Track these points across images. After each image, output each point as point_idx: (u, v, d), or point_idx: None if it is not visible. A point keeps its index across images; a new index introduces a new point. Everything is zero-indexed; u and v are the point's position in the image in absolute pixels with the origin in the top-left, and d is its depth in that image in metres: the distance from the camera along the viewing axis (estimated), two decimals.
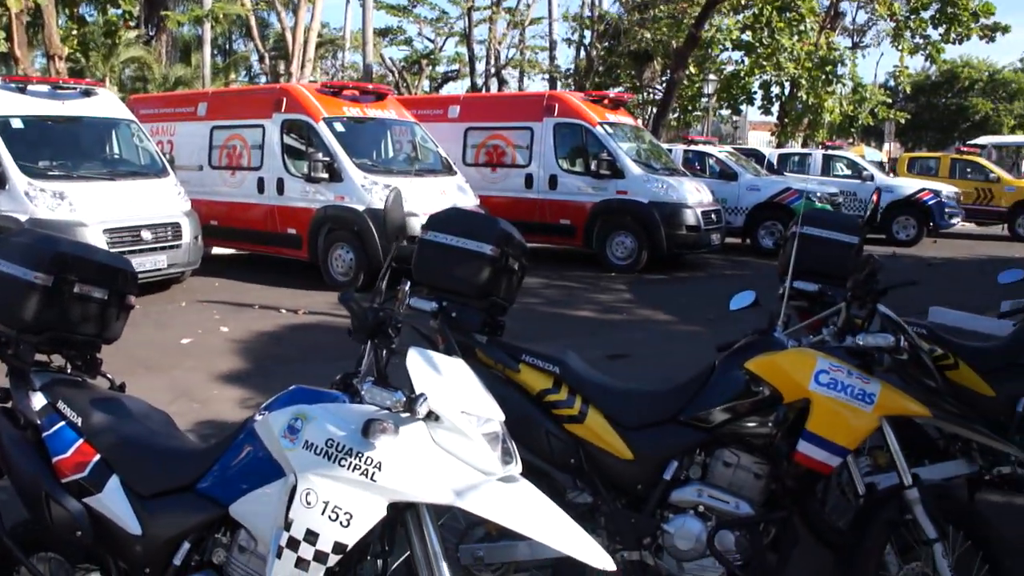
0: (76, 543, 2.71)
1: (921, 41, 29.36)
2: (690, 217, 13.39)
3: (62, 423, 2.80)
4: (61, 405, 2.84)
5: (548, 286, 11.94)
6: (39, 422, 2.81)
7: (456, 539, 3.24)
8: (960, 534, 3.20)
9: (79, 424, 2.78)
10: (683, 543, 3.14)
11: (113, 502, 2.65)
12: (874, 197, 4.06)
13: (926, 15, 28.37)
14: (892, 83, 41.80)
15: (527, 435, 3.25)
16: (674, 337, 9.06)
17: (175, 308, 10.15)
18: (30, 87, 11.06)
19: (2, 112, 10.52)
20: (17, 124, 10.58)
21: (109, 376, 3.19)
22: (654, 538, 3.19)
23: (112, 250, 8.98)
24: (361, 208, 11.28)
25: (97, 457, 2.72)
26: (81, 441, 2.75)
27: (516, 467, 2.31)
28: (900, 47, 29.39)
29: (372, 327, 2.38)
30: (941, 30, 28.33)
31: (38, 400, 2.86)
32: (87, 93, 11.54)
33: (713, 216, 13.98)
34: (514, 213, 13.24)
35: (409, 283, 2.50)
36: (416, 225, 10.92)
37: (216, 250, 13.70)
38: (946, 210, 18.79)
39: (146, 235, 10.35)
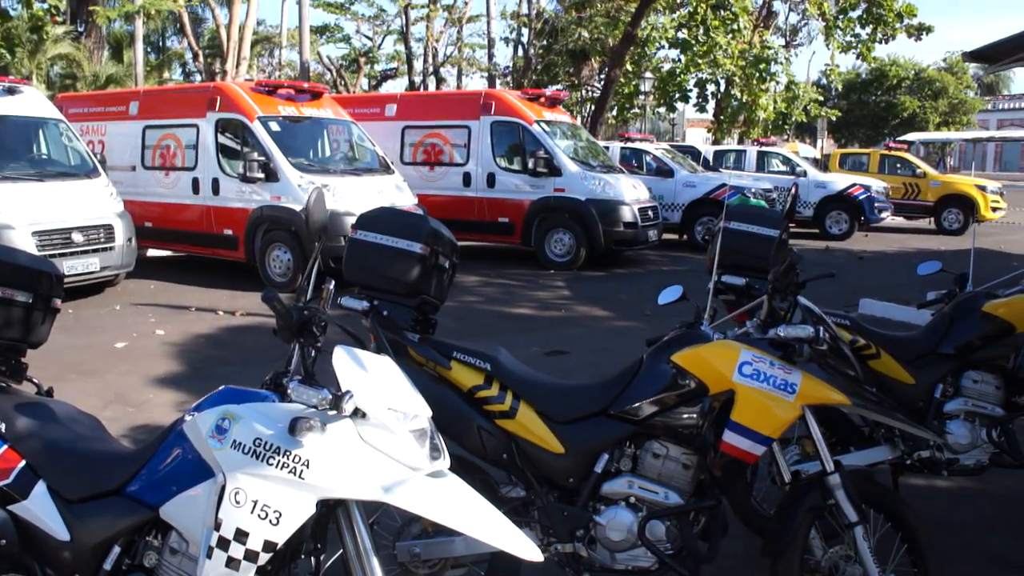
0: (2, 552, 2.66)
1: (852, 40, 30.07)
2: (627, 214, 13.54)
3: None
4: None
5: (487, 284, 11.99)
6: None
7: (392, 536, 3.26)
8: (880, 517, 3.32)
9: (2, 430, 2.74)
10: (615, 534, 3.20)
11: (39, 508, 2.61)
12: (792, 190, 4.17)
13: (854, 15, 29.11)
14: (824, 81, 42.74)
15: (460, 431, 3.28)
16: (612, 333, 9.16)
17: (109, 312, 9.96)
18: None
19: None
20: None
21: (36, 381, 3.15)
22: (587, 530, 3.24)
23: (42, 253, 8.79)
24: (298, 208, 11.17)
25: (22, 463, 2.68)
26: (5, 447, 2.71)
27: (444, 462, 2.35)
28: (831, 46, 30.06)
29: (297, 326, 2.40)
30: (868, 30, 29.10)
31: None
32: (11, 91, 11.23)
33: (650, 213, 14.16)
34: (452, 212, 13.26)
35: (334, 282, 2.51)
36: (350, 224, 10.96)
37: (151, 252, 13.48)
38: (876, 205, 19.26)
39: (77, 237, 10.14)
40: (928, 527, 3.35)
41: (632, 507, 3.22)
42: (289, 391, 2.28)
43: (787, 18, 36.69)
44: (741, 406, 3.11)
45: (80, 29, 33.64)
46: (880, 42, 29.50)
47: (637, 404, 3.23)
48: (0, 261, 2.99)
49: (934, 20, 56.54)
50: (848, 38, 30.02)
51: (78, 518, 2.58)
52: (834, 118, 35.21)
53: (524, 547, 2.26)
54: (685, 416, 3.20)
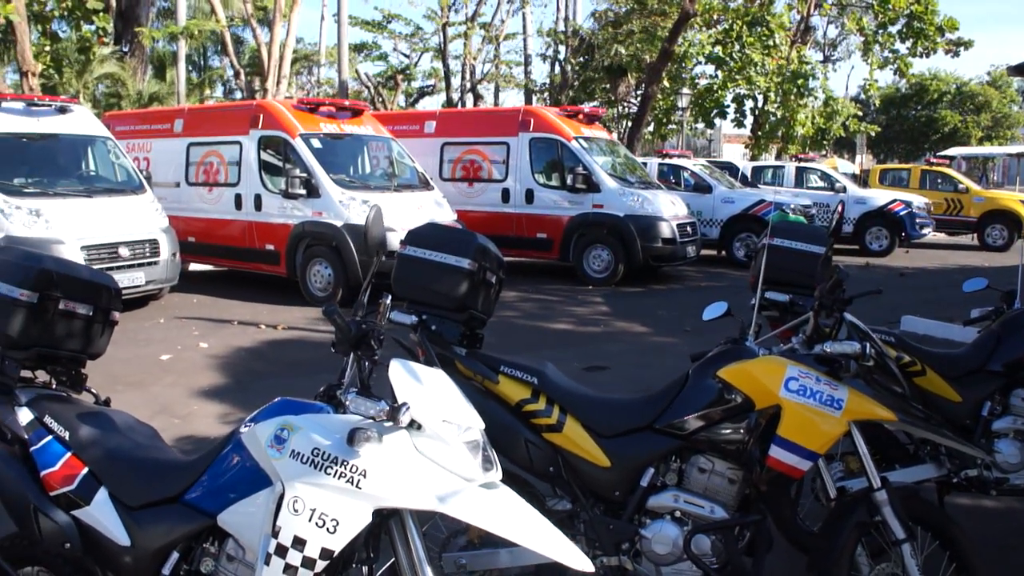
0: (65, 555, 2.75)
1: (890, 55, 29.84)
2: (665, 230, 13.53)
3: (49, 437, 2.84)
4: (48, 420, 2.88)
5: (525, 299, 12.03)
6: (26, 437, 2.85)
7: (438, 548, 3.30)
8: (928, 535, 3.30)
9: (66, 438, 2.83)
10: (661, 547, 3.21)
11: (102, 514, 2.69)
12: (839, 208, 4.18)
13: (893, 30, 28.88)
14: (863, 96, 42.39)
15: (507, 444, 3.32)
16: (651, 349, 9.16)
17: (154, 325, 10.14)
18: (4, 104, 11.05)
19: None
20: None
21: (94, 391, 3.24)
22: (632, 543, 3.27)
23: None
24: (339, 224, 11.33)
25: (85, 470, 2.76)
26: (69, 455, 2.80)
27: (496, 474, 2.39)
28: (869, 61, 29.84)
29: (356, 339, 2.45)
30: (908, 44, 28.87)
31: (24, 415, 2.90)
32: (62, 110, 11.53)
33: (688, 228, 14.14)
34: (491, 227, 13.33)
35: (390, 297, 2.56)
36: (394, 240, 11.07)
37: (193, 266, 13.69)
38: (917, 221, 19.07)
39: (124, 252, 10.35)
40: (976, 546, 3.33)
41: (678, 521, 3.24)
42: (347, 402, 2.33)
43: (825, 33, 36.58)
44: (787, 421, 3.12)
45: (124, 49, 34.27)
46: (919, 57, 29.25)
47: (683, 419, 3.25)
48: (63, 275, 3.08)
49: (976, 34, 55.94)
50: (886, 53, 29.79)
51: (138, 524, 2.65)
52: (873, 133, 34.88)
53: (575, 558, 2.29)
54: (731, 431, 3.22)
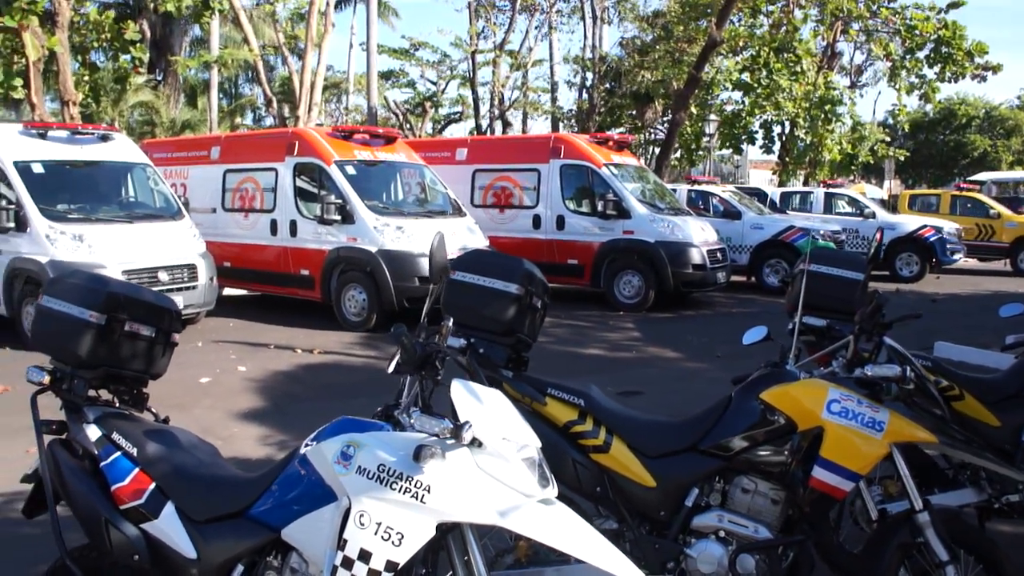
0: (134, 567, 2.86)
1: (917, 80, 29.78)
2: (696, 256, 13.58)
3: (118, 453, 2.97)
4: (116, 436, 3.01)
5: (558, 325, 12.10)
6: (96, 452, 2.98)
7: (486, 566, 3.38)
8: (971, 558, 3.34)
9: (134, 454, 2.95)
10: (705, 567, 3.28)
11: (169, 527, 2.81)
12: (877, 235, 4.25)
13: (921, 55, 28.84)
14: (891, 121, 42.25)
15: (555, 464, 3.38)
16: (683, 374, 9.20)
17: (192, 348, 10.31)
18: (50, 133, 11.33)
19: (24, 157, 10.80)
20: (38, 169, 10.86)
21: (154, 411, 3.36)
22: (677, 562, 3.34)
23: None
24: (373, 249, 11.49)
25: (153, 485, 2.88)
26: (137, 470, 2.92)
27: (553, 490, 2.47)
28: (897, 86, 29.80)
29: (420, 360, 2.55)
30: (936, 69, 28.81)
31: (93, 432, 3.03)
32: (104, 138, 11.81)
33: (718, 254, 14.19)
34: (522, 253, 13.27)
35: (452, 320, 2.67)
36: (427, 266, 11.19)
37: (228, 291, 13.88)
38: (948, 246, 18.97)
39: (163, 276, 10.54)
40: (1020, 572, 3.36)
41: (722, 541, 3.31)
42: (412, 420, 2.44)
43: (852, 58, 36.55)
44: (830, 442, 3.18)
45: (158, 78, 34.99)
46: (948, 82, 29.18)
47: (727, 440, 3.33)
48: (129, 297, 3.21)
49: (1004, 58, 55.45)
50: (914, 78, 29.74)
51: (204, 538, 2.76)
52: (902, 158, 34.77)
53: (630, 573, 2.37)
54: (773, 452, 3.29)
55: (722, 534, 3.31)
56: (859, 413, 3.20)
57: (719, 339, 10.71)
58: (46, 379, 3.12)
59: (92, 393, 3.20)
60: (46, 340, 3.22)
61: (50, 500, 2.99)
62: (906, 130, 47.46)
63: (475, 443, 2.38)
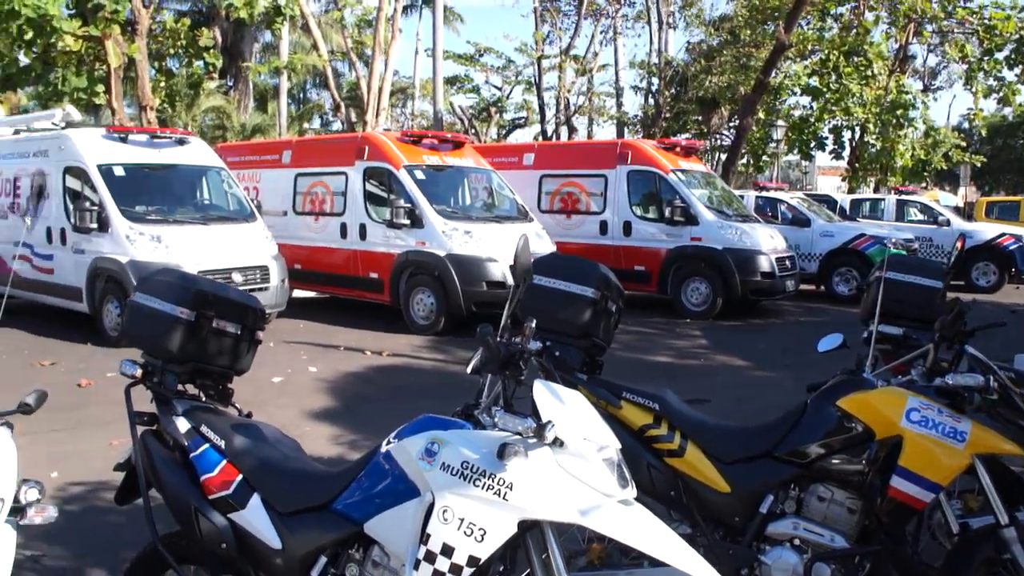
0: (221, 555, 2.96)
1: (995, 83, 28.95)
2: (764, 263, 13.43)
3: (207, 445, 3.07)
4: (204, 429, 3.12)
5: (624, 331, 12.04)
6: (186, 444, 3.09)
7: None
8: None
9: (222, 446, 3.05)
10: (780, 574, 3.27)
11: (255, 518, 2.90)
12: (958, 243, 4.17)
13: (1000, 56, 28.00)
14: (967, 125, 41.19)
15: (629, 468, 3.42)
16: (751, 382, 9.12)
17: (264, 348, 10.34)
18: (131, 137, 11.72)
19: (106, 160, 11.17)
20: (119, 171, 11.22)
21: (237, 406, 3.47)
22: (751, 569, 3.33)
23: None
24: (442, 253, 11.61)
25: (240, 477, 2.97)
26: (225, 462, 3.02)
27: (632, 491, 2.50)
28: (974, 89, 29.02)
29: (504, 360, 2.60)
30: (1017, 71, 27.94)
31: (183, 424, 3.14)
32: (181, 142, 12.16)
33: (787, 262, 14.00)
34: (589, 259, 13.40)
35: (535, 321, 2.71)
36: (496, 271, 11.30)
37: (297, 293, 14.14)
38: None
39: (236, 277, 10.77)
40: None
41: (797, 549, 3.29)
42: (495, 419, 2.48)
43: (925, 61, 35.77)
44: (909, 452, 3.15)
45: (229, 83, 35.84)
46: None
47: (803, 447, 3.32)
48: (217, 295, 3.32)
49: None
50: (992, 81, 28.91)
51: (289, 529, 2.84)
52: (978, 164, 33.85)
53: (708, 574, 2.38)
54: (850, 460, 3.27)
55: (797, 542, 3.30)
56: (940, 423, 3.16)
57: (788, 348, 10.59)
58: (138, 372, 3.22)
59: (180, 388, 3.31)
60: (138, 335, 3.34)
61: (143, 488, 3.10)
62: (983, 135, 46.29)
63: (557, 443, 2.41)
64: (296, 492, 2.90)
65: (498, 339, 2.65)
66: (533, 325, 2.69)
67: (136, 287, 3.40)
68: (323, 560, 2.79)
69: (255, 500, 2.93)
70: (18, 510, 2.43)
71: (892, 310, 4.33)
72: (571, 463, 2.42)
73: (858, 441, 3.26)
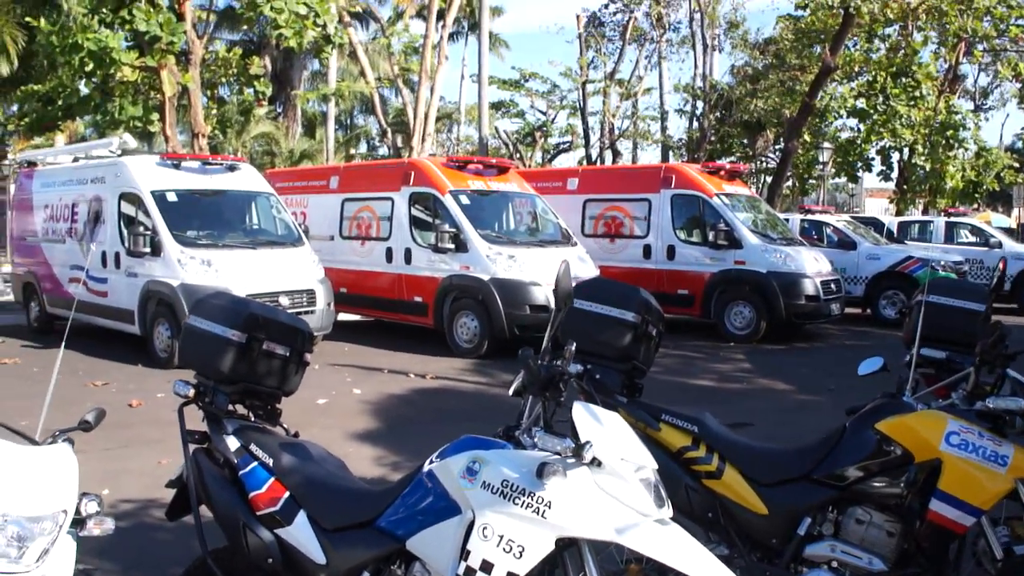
0: (267, 569, 3.05)
1: None
2: (809, 287, 13.33)
3: (255, 463, 3.17)
4: (253, 447, 3.22)
5: (667, 355, 12.05)
6: (236, 461, 3.19)
7: None
8: None
9: (270, 464, 3.15)
10: None
11: (301, 534, 2.99)
12: (1000, 265, 4.15)
13: None
14: (1020, 145, 40.47)
15: (667, 489, 3.46)
16: (795, 407, 9.06)
17: (309, 370, 10.52)
18: (183, 163, 12.03)
19: (160, 186, 11.48)
20: (172, 197, 11.52)
21: (285, 426, 3.57)
22: None
23: None
24: (486, 277, 11.72)
25: (287, 494, 3.07)
26: (273, 479, 3.11)
27: (668, 511, 2.55)
28: None
29: (545, 382, 2.66)
30: None
31: (232, 442, 3.25)
32: (232, 168, 12.44)
33: (832, 286, 13.88)
34: (632, 283, 13.39)
35: (575, 344, 2.77)
36: (539, 295, 11.37)
37: (341, 316, 14.31)
38: None
39: (284, 301, 10.96)
40: None
41: (835, 571, 3.30)
42: (535, 439, 2.55)
43: (976, 80, 35.28)
44: (949, 475, 3.15)
45: (278, 110, 36.54)
46: None
47: (841, 469, 3.33)
48: (267, 318, 3.43)
49: None
50: None
51: (334, 545, 2.93)
52: None
53: None
54: (889, 483, 3.28)
55: (835, 564, 3.31)
56: (980, 446, 3.16)
57: (832, 372, 10.48)
58: (191, 392, 3.34)
59: (230, 408, 3.41)
60: (192, 356, 3.47)
61: (194, 504, 3.21)
62: None
63: (595, 463, 2.47)
64: (341, 509, 2.98)
65: (539, 362, 2.71)
66: (573, 348, 2.75)
67: (191, 310, 3.52)
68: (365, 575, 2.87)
69: (301, 517, 3.01)
70: (78, 522, 2.53)
71: (934, 333, 4.31)
72: (608, 483, 2.48)
73: (897, 464, 3.27)
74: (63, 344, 3.09)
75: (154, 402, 8.71)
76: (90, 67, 15.69)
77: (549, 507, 2.45)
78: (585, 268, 12.17)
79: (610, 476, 2.48)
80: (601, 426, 2.54)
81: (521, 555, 2.46)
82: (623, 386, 3.76)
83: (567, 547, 2.56)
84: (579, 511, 2.45)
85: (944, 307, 4.38)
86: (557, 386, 2.68)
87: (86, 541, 2.61)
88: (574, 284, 3.96)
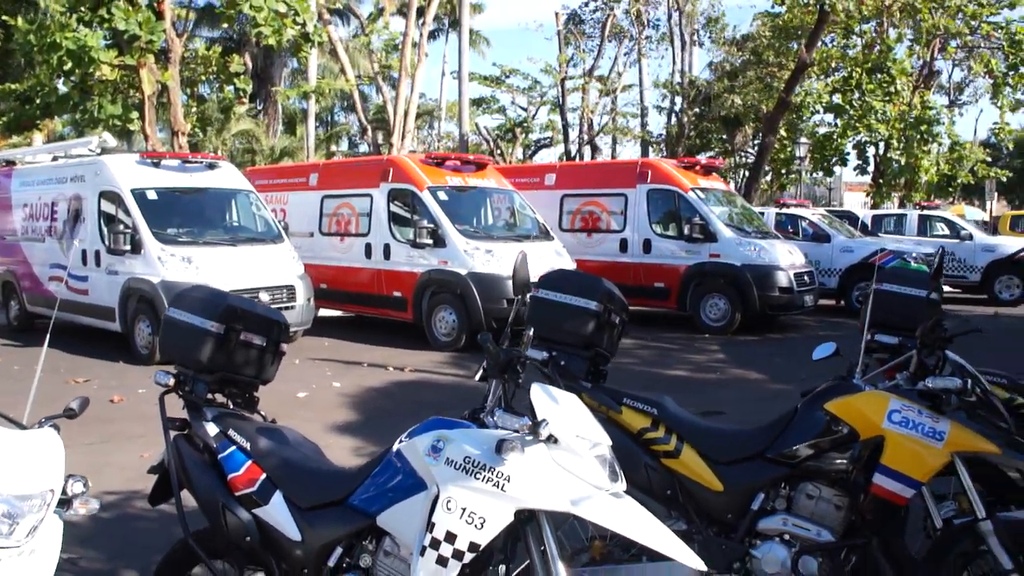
0: (246, 548, 3.20)
1: (1023, 97, 28.84)
2: (783, 279, 13.56)
3: (233, 447, 3.32)
4: (231, 432, 3.36)
5: (643, 347, 12.25)
6: (215, 446, 3.34)
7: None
8: None
9: (248, 448, 3.30)
10: (770, 567, 3.46)
11: (278, 513, 3.14)
12: (939, 251, 4.33)
13: None
14: (994, 140, 40.90)
15: (628, 469, 3.60)
16: (767, 396, 9.25)
17: (289, 364, 10.62)
18: (163, 162, 12.11)
19: (140, 185, 11.56)
20: (152, 195, 11.60)
21: (263, 413, 3.71)
22: (743, 563, 3.53)
23: None
24: (463, 272, 11.88)
25: (264, 476, 3.22)
26: (250, 462, 3.26)
27: (622, 484, 2.72)
28: (1000, 104, 28.94)
29: (504, 365, 2.83)
30: None
31: (212, 428, 3.39)
32: (211, 166, 12.56)
33: (806, 278, 14.12)
34: (609, 276, 13.18)
35: (533, 329, 2.94)
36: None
37: (322, 312, 14.40)
38: None
39: (264, 297, 11.04)
40: None
41: (786, 543, 3.48)
42: (495, 418, 2.72)
43: (951, 76, 35.70)
44: (891, 451, 3.34)
45: (259, 107, 36.48)
46: None
47: (793, 448, 3.51)
48: (244, 310, 3.57)
49: None
50: (1019, 95, 28.81)
51: (308, 523, 3.08)
52: (1004, 179, 33.66)
53: (691, 559, 2.60)
54: (837, 460, 3.46)
55: (786, 537, 3.48)
56: (920, 423, 3.35)
57: (804, 362, 10.62)
58: (171, 382, 3.48)
59: (210, 396, 3.55)
60: (172, 347, 3.60)
61: (175, 487, 3.35)
62: (1011, 149, 45.87)
63: (551, 439, 2.63)
64: (315, 489, 3.14)
65: (500, 346, 2.88)
66: (531, 333, 2.92)
67: (171, 303, 3.65)
68: (339, 551, 3.03)
69: (277, 497, 3.16)
70: (64, 502, 2.66)
71: (885, 320, 4.51)
72: (564, 458, 2.64)
73: (844, 442, 3.45)
74: (47, 339, 3.21)
75: (135, 398, 8.82)
76: (69, 66, 15.68)
77: (508, 481, 2.61)
78: (562, 262, 12.36)
79: (566, 452, 2.64)
80: (557, 405, 2.71)
81: (482, 526, 2.62)
82: (588, 372, 3.92)
83: (528, 521, 2.72)
84: (536, 485, 2.61)
85: (892, 295, 4.57)
86: (515, 369, 2.84)
87: (70, 531, 2.72)
88: (544, 275, 4.16)
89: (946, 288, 19.03)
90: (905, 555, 3.81)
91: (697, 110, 31.82)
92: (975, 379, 3.52)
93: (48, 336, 3.26)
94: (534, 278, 4.13)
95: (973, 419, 3.48)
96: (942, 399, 3.41)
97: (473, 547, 2.63)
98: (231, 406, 3.60)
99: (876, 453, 3.38)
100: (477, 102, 34.06)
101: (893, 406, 3.39)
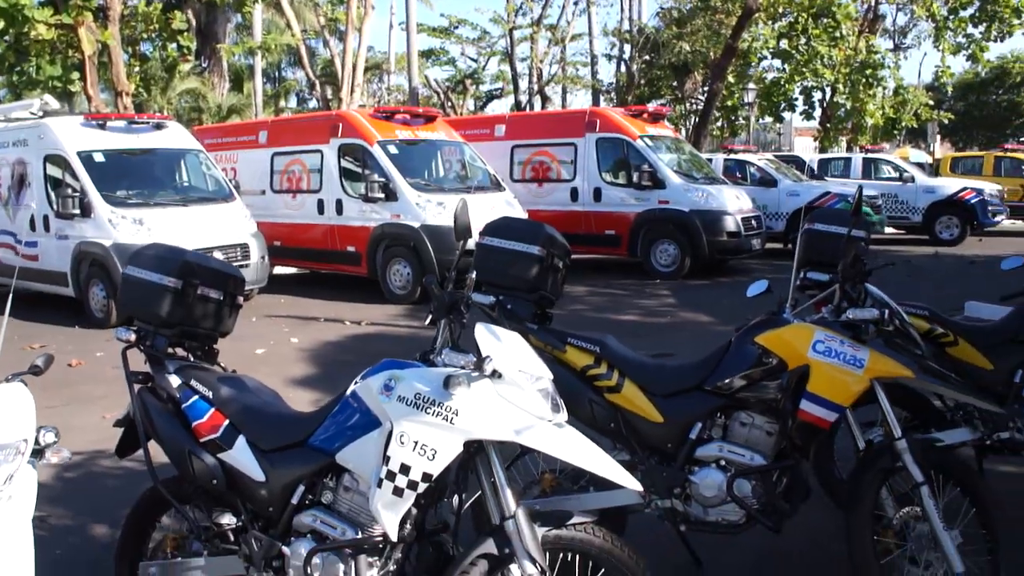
0: (212, 491, 3.37)
1: (964, 40, 29.36)
2: (730, 223, 13.88)
3: (196, 396, 3.46)
4: (193, 383, 3.51)
5: (594, 294, 12.50)
6: (178, 396, 3.48)
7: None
8: (950, 483, 3.70)
9: (210, 396, 3.45)
10: (707, 491, 3.71)
11: (241, 456, 3.30)
12: (858, 190, 4.56)
13: (966, 14, 28.39)
14: (937, 83, 41.56)
15: (573, 404, 3.82)
16: (716, 337, 9.33)
17: (246, 322, 10.85)
18: (109, 123, 11.99)
19: (86, 147, 11.45)
20: (99, 158, 11.50)
21: (222, 364, 3.86)
22: (683, 488, 3.77)
23: None
24: (416, 225, 12.00)
25: (226, 422, 3.37)
26: (213, 410, 3.41)
27: (563, 415, 2.92)
28: (941, 47, 29.44)
29: (448, 306, 3.01)
30: (982, 28, 28.36)
31: (174, 380, 3.53)
32: (159, 127, 12.46)
33: (753, 222, 14.45)
34: (560, 225, 13.33)
35: (475, 272, 3.11)
36: (468, 239, 11.66)
37: (278, 269, 14.46)
38: (989, 208, 18.95)
39: (217, 256, 11.06)
40: (994, 492, 3.70)
41: (722, 468, 3.72)
42: (442, 356, 2.89)
43: (895, 20, 36.13)
44: (815, 378, 3.58)
45: (204, 65, 35.80)
46: (995, 40, 28.73)
47: (727, 380, 3.74)
48: (200, 265, 3.70)
49: None
50: (960, 39, 29.32)
51: (271, 464, 3.25)
52: (946, 121, 34.36)
53: (629, 480, 2.82)
54: (768, 389, 3.70)
55: (722, 462, 3.72)
56: (841, 352, 3.59)
57: (751, 304, 10.95)
58: (132, 337, 3.60)
59: (170, 350, 3.68)
60: (131, 303, 3.72)
61: (142, 438, 3.50)
62: (954, 92, 46.61)
63: (495, 375, 2.81)
64: (276, 432, 3.30)
65: (444, 288, 3.05)
66: (474, 275, 3.09)
67: (128, 261, 3.76)
68: (301, 488, 3.20)
69: (240, 441, 3.32)
70: (37, 452, 2.79)
71: (816, 257, 4.77)
72: (508, 391, 2.83)
73: (774, 372, 3.68)
74: (8, 307, 3.30)
75: (94, 361, 8.86)
76: (1, 25, 15.31)
77: (456, 414, 2.80)
78: (513, 212, 12.50)
79: (509, 386, 2.82)
80: (501, 343, 2.89)
81: (434, 457, 2.81)
82: (533, 315, 4.10)
83: (477, 452, 2.91)
84: (482, 416, 2.80)
85: (821, 233, 4.82)
86: (460, 309, 3.02)
87: (39, 491, 2.76)
88: (488, 223, 4.32)
89: (890, 229, 19.59)
90: (834, 475, 4.10)
91: (647, 58, 31.85)
92: (894, 311, 3.77)
93: (9, 303, 3.35)
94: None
95: (890, 347, 3.73)
96: (862, 329, 3.65)
97: (426, 477, 2.82)
98: (191, 359, 3.73)
99: (803, 381, 3.61)
100: (426, 54, 33.78)
101: (817, 337, 3.62)
